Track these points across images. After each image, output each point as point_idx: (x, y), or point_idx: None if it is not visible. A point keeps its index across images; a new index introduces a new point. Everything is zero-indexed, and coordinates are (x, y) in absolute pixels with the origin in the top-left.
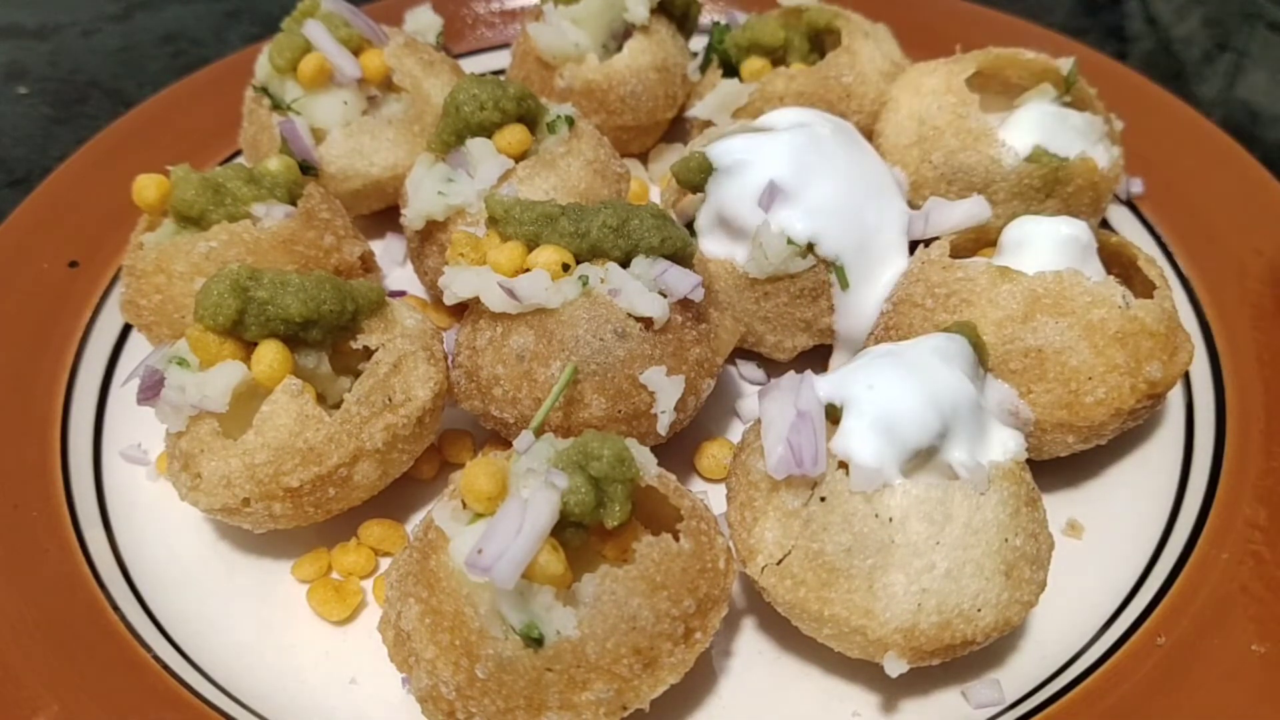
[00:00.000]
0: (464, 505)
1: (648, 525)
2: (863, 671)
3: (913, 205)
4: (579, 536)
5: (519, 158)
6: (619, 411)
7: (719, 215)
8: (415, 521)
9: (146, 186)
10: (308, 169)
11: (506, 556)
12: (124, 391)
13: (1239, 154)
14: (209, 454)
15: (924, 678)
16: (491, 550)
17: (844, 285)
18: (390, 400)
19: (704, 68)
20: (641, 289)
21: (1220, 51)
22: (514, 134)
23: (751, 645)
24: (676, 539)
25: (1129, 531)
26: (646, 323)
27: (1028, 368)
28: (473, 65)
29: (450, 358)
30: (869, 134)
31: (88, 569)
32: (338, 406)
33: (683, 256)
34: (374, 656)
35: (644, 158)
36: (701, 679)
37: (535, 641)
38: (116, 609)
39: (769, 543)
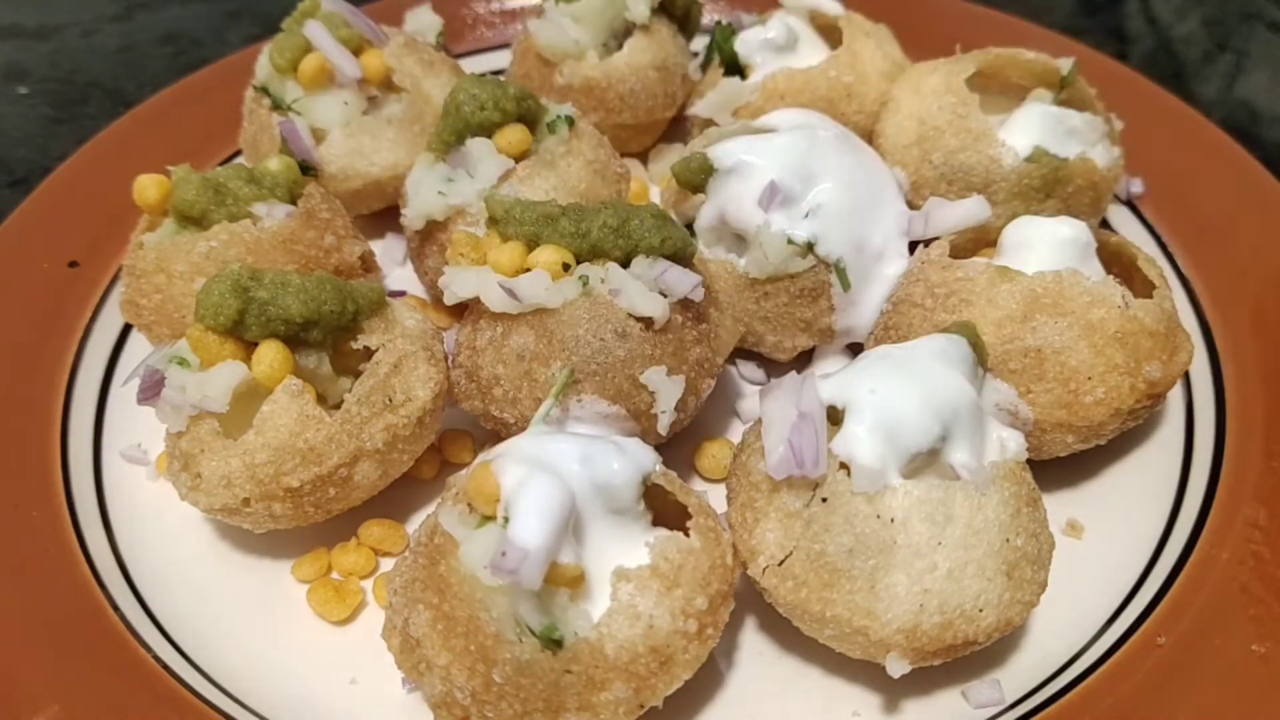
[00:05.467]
0: (470, 508)
1: (655, 524)
2: (863, 672)
3: (913, 205)
4: None
5: (519, 158)
6: None
7: (719, 216)
8: (415, 522)
9: (147, 186)
10: (308, 169)
11: (531, 557)
12: (124, 391)
13: (1239, 154)
14: (209, 454)
15: (924, 678)
16: (515, 552)
17: (845, 286)
18: (390, 400)
19: (705, 66)
20: (642, 289)
21: (1220, 51)
22: (514, 134)
23: (752, 646)
24: (687, 535)
25: (1129, 531)
26: (646, 323)
27: (1027, 368)
28: (473, 65)
29: (450, 358)
30: (869, 134)
31: (88, 569)
32: (338, 407)
33: (683, 256)
34: (374, 656)
35: (644, 158)
36: (703, 679)
37: (555, 643)
38: (116, 609)
39: (770, 544)
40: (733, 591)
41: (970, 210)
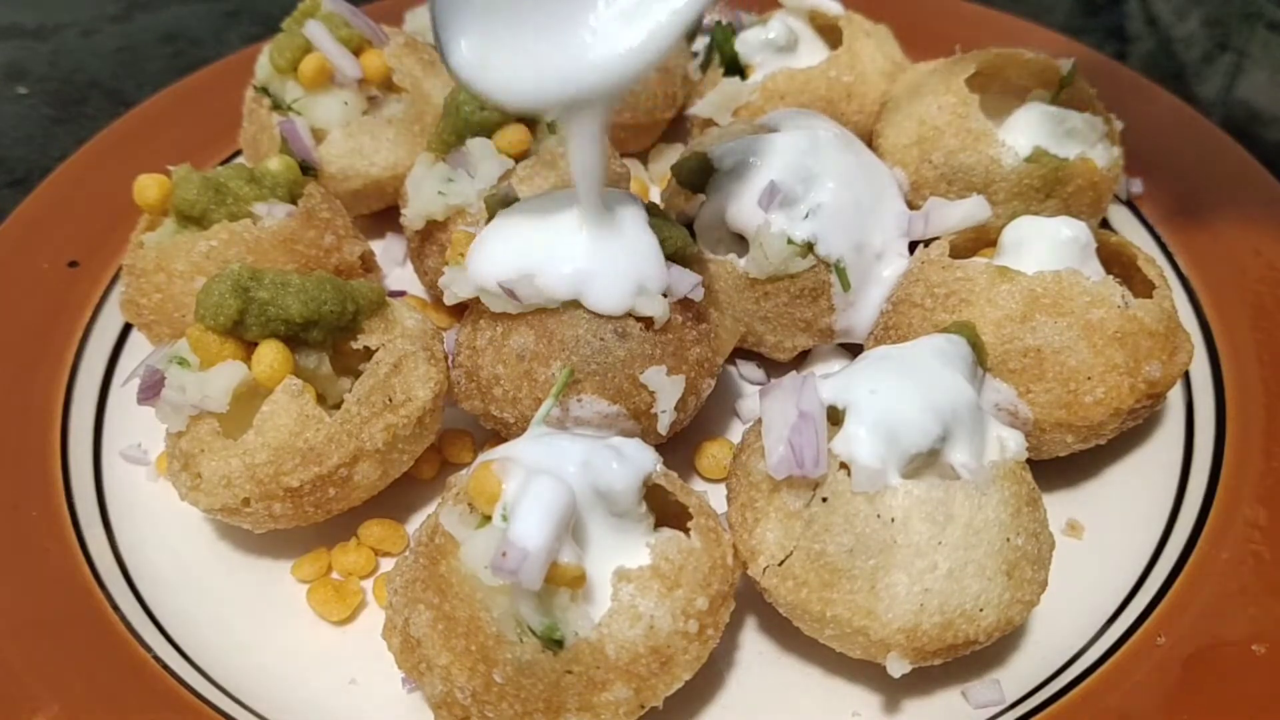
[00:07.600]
0: (471, 508)
1: (656, 524)
2: (863, 672)
3: (913, 205)
4: None
5: (519, 157)
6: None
7: (719, 216)
8: (415, 522)
9: (148, 186)
10: (308, 169)
11: (531, 558)
12: (124, 391)
13: (1239, 154)
14: (209, 454)
15: (924, 678)
16: (516, 552)
17: (845, 286)
18: (390, 400)
19: (705, 66)
20: None
21: (1220, 51)
22: (514, 134)
23: (752, 646)
24: (687, 535)
25: (1129, 531)
26: (647, 323)
27: (1027, 367)
28: None
29: (450, 358)
30: (869, 134)
31: (88, 569)
32: (338, 407)
33: (683, 256)
34: (374, 656)
35: (644, 157)
36: (703, 679)
37: (556, 644)
38: (116, 609)
39: (770, 544)
40: (733, 592)
41: (970, 210)
